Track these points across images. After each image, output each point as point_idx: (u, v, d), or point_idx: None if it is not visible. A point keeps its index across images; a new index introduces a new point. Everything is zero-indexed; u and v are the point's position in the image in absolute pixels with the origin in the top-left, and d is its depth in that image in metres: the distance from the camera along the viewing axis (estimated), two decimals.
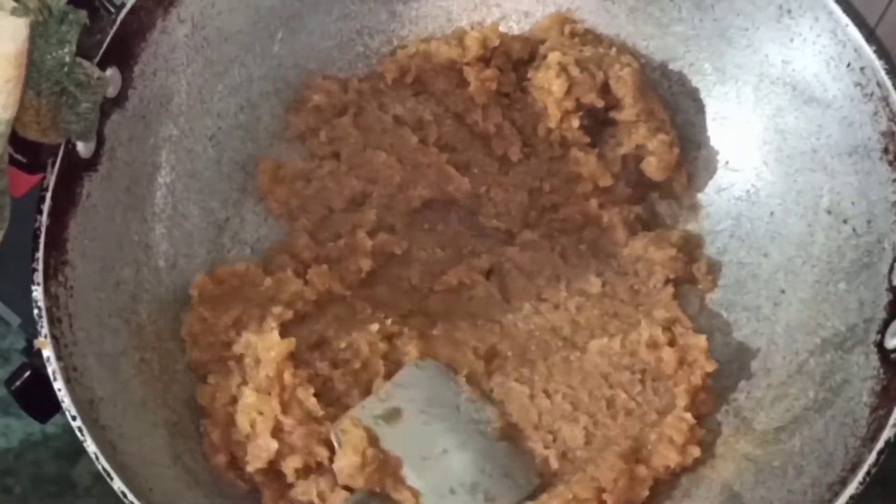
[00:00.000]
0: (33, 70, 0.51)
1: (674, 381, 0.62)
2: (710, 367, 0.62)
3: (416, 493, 0.59)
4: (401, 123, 0.70)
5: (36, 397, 0.66)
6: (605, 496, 0.59)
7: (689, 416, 0.61)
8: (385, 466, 0.59)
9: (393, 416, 0.61)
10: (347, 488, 0.59)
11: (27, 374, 0.66)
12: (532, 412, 0.63)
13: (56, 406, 0.55)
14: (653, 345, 0.63)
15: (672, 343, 0.63)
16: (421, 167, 0.69)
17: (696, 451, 0.60)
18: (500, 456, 0.62)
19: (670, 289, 0.67)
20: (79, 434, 0.54)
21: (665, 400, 0.63)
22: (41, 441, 0.75)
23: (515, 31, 0.72)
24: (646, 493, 0.60)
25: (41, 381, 0.63)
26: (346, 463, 0.58)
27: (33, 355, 0.67)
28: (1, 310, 0.69)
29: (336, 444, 0.59)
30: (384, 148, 0.68)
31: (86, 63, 0.54)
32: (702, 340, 0.63)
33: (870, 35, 0.60)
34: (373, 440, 0.60)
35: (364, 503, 0.58)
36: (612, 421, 0.63)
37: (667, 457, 0.60)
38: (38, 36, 0.51)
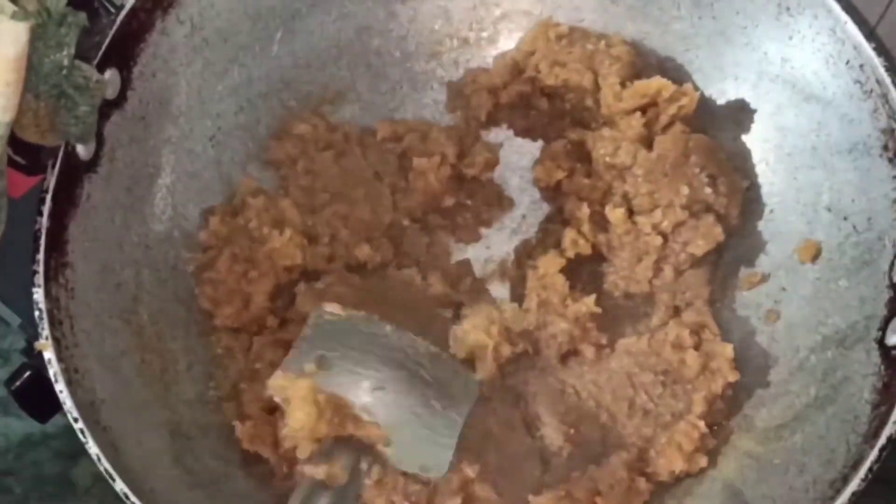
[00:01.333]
0: (31, 73, 0.51)
1: (694, 385, 0.62)
2: (733, 376, 0.62)
3: (379, 427, 0.57)
4: (379, 179, 0.69)
5: (36, 397, 0.66)
6: (598, 499, 0.59)
7: (701, 424, 0.61)
8: (340, 408, 0.56)
9: (322, 363, 0.58)
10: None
11: (27, 374, 0.66)
12: (559, 406, 0.63)
13: (56, 406, 0.55)
14: (678, 346, 0.63)
15: (697, 347, 0.63)
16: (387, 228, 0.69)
17: (702, 461, 0.60)
18: (439, 369, 0.60)
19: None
20: (81, 436, 0.54)
21: (682, 404, 0.62)
22: (41, 441, 0.75)
23: (514, 30, 0.72)
24: None
25: (41, 381, 0.63)
26: (301, 417, 0.55)
27: (33, 356, 0.67)
28: (1, 310, 0.69)
29: (282, 405, 0.57)
30: (358, 197, 0.68)
31: (84, 66, 0.54)
32: (728, 349, 0.62)
33: (869, 33, 0.60)
34: (316, 388, 0.57)
35: (333, 451, 0.56)
36: (629, 420, 0.63)
37: (673, 462, 0.60)
38: (36, 38, 0.51)
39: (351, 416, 0.57)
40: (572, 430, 0.63)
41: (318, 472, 0.55)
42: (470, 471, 0.59)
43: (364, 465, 0.57)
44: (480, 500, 0.60)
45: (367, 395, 0.58)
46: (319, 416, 0.55)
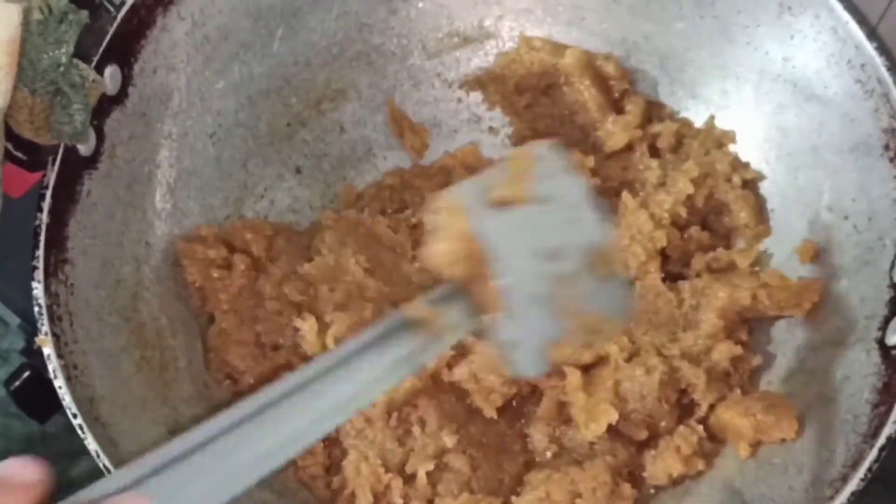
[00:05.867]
0: (29, 68, 0.51)
1: (702, 396, 0.61)
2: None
3: (497, 294, 0.50)
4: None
5: (35, 398, 0.66)
6: (578, 501, 0.59)
7: (700, 428, 0.60)
8: (477, 260, 0.50)
9: (503, 203, 0.52)
10: None
11: (26, 374, 0.66)
12: (551, 409, 0.63)
13: (55, 406, 0.55)
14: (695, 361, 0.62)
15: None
16: None
17: (700, 464, 0.60)
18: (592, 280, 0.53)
19: None
20: (79, 431, 0.54)
21: (684, 413, 0.62)
22: (41, 441, 0.74)
23: (514, 28, 0.72)
24: None
25: (40, 381, 0.63)
26: (439, 249, 0.50)
27: (32, 356, 0.67)
28: (1, 310, 0.69)
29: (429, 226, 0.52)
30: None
31: (82, 65, 0.54)
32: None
33: (870, 32, 0.59)
34: (466, 231, 0.51)
35: (444, 299, 0.51)
36: (626, 422, 0.61)
37: (671, 466, 0.60)
38: (36, 34, 0.51)
39: (483, 272, 0.51)
40: (557, 432, 0.63)
41: (419, 309, 0.50)
42: (448, 440, 0.60)
43: (462, 326, 0.51)
44: (454, 471, 0.60)
45: (519, 259, 0.51)
46: (454, 258, 0.51)
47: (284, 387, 0.44)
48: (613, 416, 0.59)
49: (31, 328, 0.67)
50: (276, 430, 0.43)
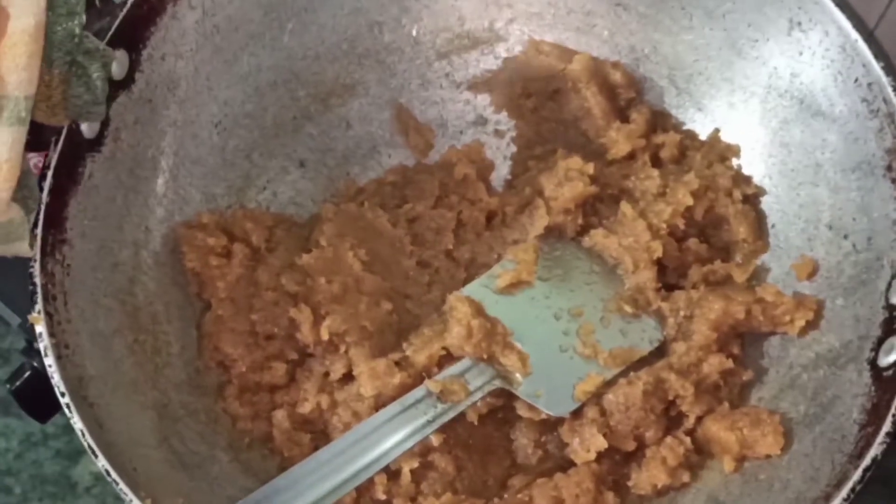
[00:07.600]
0: (45, 42, 0.52)
1: (689, 409, 0.61)
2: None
3: (524, 357, 0.61)
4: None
5: (36, 397, 0.66)
6: None
7: (688, 440, 0.60)
8: (492, 334, 0.61)
9: (512, 288, 0.64)
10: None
11: (27, 373, 0.66)
12: (535, 413, 0.62)
13: (55, 406, 0.55)
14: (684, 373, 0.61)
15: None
16: None
17: (685, 476, 0.60)
18: (617, 322, 0.64)
19: None
20: (66, 410, 0.54)
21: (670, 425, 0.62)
22: (41, 441, 0.75)
23: (524, 32, 0.72)
24: None
25: (41, 380, 0.63)
26: (453, 333, 0.61)
27: (33, 355, 0.67)
28: (1, 310, 0.70)
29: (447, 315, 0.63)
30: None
31: (91, 35, 0.54)
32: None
33: (878, 51, 0.59)
34: (478, 311, 0.62)
35: (468, 370, 0.61)
36: (612, 434, 0.61)
37: (656, 476, 0.59)
38: (48, 8, 0.51)
39: (502, 342, 0.62)
40: (543, 438, 0.63)
41: (434, 385, 0.59)
42: (434, 439, 0.60)
43: (486, 388, 0.61)
44: (438, 470, 0.61)
45: (535, 326, 0.63)
46: (468, 337, 0.61)
47: (321, 456, 0.56)
48: (602, 445, 0.60)
49: (31, 327, 0.67)
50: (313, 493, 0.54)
